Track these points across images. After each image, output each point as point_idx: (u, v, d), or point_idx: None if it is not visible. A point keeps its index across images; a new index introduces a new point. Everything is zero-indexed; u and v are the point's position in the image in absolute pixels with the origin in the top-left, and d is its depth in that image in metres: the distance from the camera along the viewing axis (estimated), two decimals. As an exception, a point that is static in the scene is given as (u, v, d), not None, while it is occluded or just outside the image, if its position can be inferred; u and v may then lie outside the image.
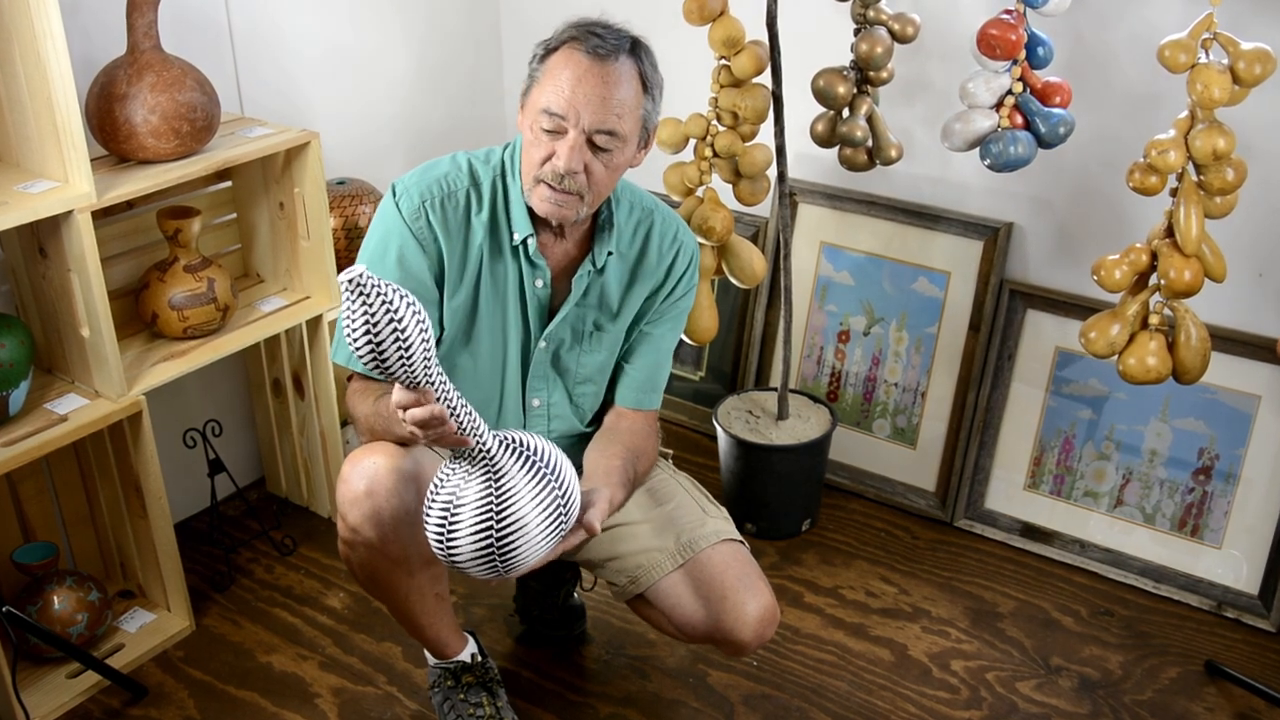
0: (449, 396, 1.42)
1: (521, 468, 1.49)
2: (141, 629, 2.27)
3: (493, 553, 1.48)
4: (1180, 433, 2.43)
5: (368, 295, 1.32)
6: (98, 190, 1.96)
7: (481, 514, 1.47)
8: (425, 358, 1.37)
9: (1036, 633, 2.34)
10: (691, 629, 1.85)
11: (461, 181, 1.77)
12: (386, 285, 1.34)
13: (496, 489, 1.47)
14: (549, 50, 1.69)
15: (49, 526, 2.28)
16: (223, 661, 2.24)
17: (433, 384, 1.40)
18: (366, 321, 1.32)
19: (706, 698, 2.17)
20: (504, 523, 1.47)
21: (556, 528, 1.52)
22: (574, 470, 1.57)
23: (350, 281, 1.31)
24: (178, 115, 2.08)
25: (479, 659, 2.00)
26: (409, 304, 1.35)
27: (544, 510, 1.49)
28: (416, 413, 1.41)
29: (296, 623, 2.34)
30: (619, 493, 1.73)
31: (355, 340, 1.34)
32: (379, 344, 1.33)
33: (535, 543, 1.50)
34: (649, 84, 1.71)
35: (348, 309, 1.33)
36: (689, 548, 1.83)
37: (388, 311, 1.33)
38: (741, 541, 1.88)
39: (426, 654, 2.00)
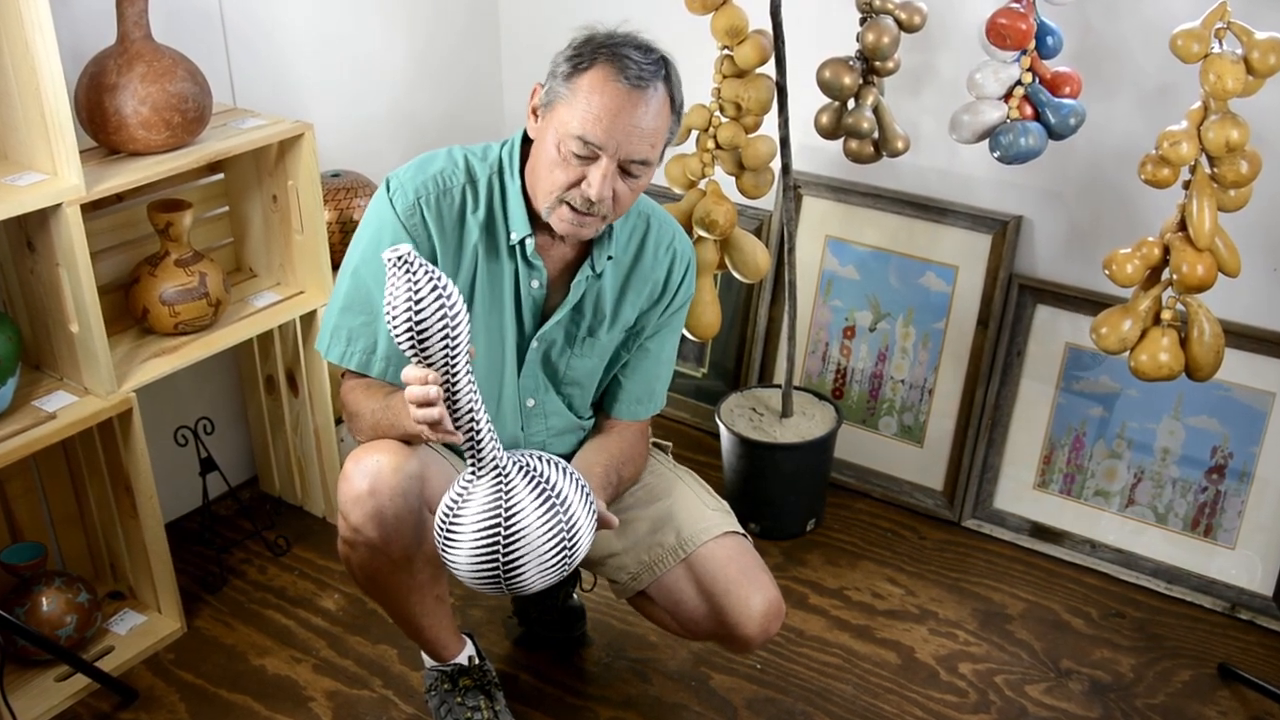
0: (472, 396, 1.44)
1: (531, 491, 1.50)
2: (132, 631, 2.24)
3: (498, 567, 1.49)
4: (1193, 430, 2.39)
5: (413, 269, 1.36)
6: (87, 183, 1.93)
7: (488, 525, 1.48)
8: (468, 343, 1.41)
9: (1046, 635, 2.31)
10: (695, 625, 1.84)
11: (458, 179, 1.73)
12: (433, 267, 1.38)
13: (506, 507, 1.48)
14: (577, 68, 1.61)
15: (37, 526, 2.26)
16: (215, 664, 2.21)
17: (471, 379, 1.43)
18: (409, 295, 1.35)
19: (709, 701, 2.14)
20: (511, 541, 1.48)
21: (559, 560, 1.52)
22: (586, 509, 1.55)
23: (398, 257, 1.35)
24: (169, 106, 2.05)
25: (477, 661, 1.97)
26: (454, 288, 1.40)
27: (548, 538, 1.50)
28: (415, 390, 1.43)
29: (290, 624, 2.31)
30: (601, 493, 1.75)
31: (395, 315, 1.37)
32: (420, 319, 1.36)
33: (537, 567, 1.51)
34: (676, 106, 1.68)
35: (390, 284, 1.36)
36: (690, 542, 1.82)
37: (434, 287, 1.36)
38: (744, 535, 1.86)
39: (423, 656, 1.97)
